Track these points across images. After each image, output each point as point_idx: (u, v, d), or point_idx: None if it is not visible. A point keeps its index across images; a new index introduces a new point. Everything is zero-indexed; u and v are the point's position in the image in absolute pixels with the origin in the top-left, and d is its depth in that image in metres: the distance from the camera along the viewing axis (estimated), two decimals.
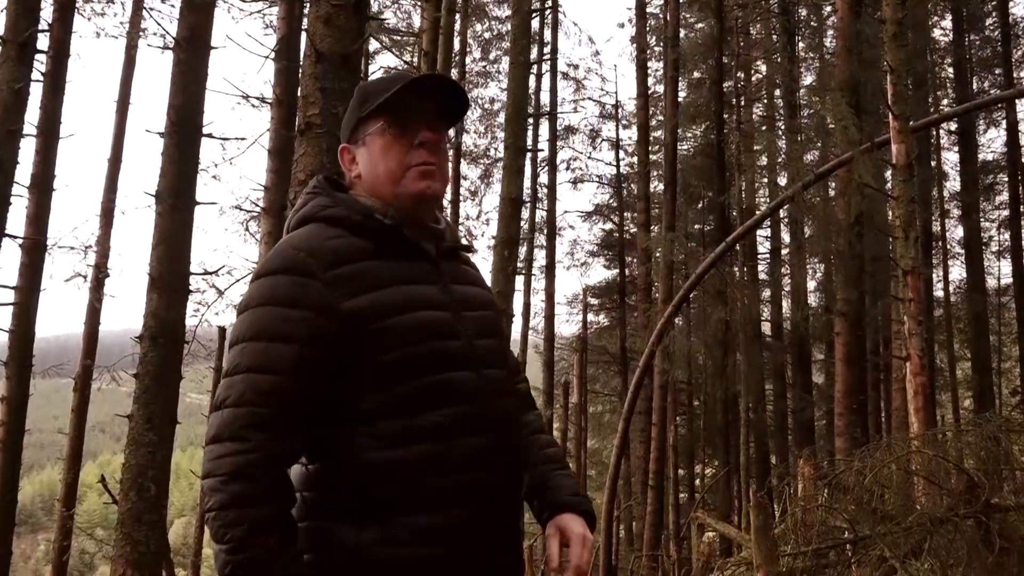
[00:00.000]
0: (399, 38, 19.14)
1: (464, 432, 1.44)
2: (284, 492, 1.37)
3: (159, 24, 11.18)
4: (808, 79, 18.75)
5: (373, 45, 18.08)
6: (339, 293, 1.40)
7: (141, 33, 10.09)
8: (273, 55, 8.58)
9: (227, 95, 11.58)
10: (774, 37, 17.40)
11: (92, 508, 31.68)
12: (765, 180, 18.98)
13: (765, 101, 20.82)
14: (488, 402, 1.50)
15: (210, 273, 8.09)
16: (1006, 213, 18.99)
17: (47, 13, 8.01)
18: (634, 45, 17.73)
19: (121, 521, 5.28)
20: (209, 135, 6.25)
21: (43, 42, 7.99)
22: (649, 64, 18.15)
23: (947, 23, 18.39)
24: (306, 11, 5.91)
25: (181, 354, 5.87)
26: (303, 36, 4.16)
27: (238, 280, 10.25)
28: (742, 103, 18.88)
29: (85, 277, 11.26)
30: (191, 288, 6.19)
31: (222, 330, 11.27)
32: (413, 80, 1.55)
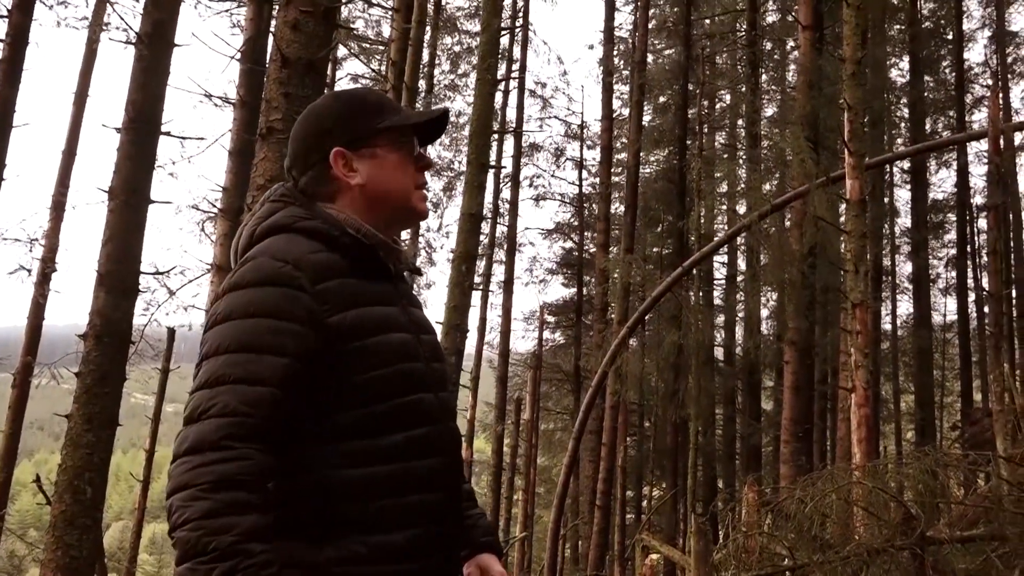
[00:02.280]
0: (368, 46, 19.10)
1: (425, 453, 1.47)
2: (271, 506, 1.32)
3: (122, 19, 10.99)
4: (770, 111, 19.15)
5: (341, 51, 18.02)
6: (325, 308, 1.39)
7: (104, 26, 9.91)
8: (239, 56, 8.50)
9: (190, 93, 11.45)
10: (739, 68, 17.75)
11: (25, 508, 30.74)
12: (724, 207, 19.27)
13: (728, 130, 21.21)
14: (444, 424, 1.54)
15: (161, 273, 7.95)
16: (953, 252, 19.54)
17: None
18: (601, 67, 17.92)
19: (53, 524, 5.13)
20: (167, 133, 6.15)
21: (1, 28, 7.81)
22: (616, 87, 18.38)
23: (904, 64, 18.92)
24: (275, 14, 5.86)
25: (126, 354, 5.74)
26: (271, 38, 4.13)
27: (191, 281, 10.11)
28: (705, 130, 19.15)
29: (30, 271, 10.97)
30: (141, 287, 6.07)
31: (171, 331, 11.06)
32: (441, 114, 1.66)
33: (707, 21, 18.24)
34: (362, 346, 1.41)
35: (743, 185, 14.88)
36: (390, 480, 1.41)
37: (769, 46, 18.66)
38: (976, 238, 19.18)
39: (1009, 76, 20.35)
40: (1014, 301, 18.76)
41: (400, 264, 1.62)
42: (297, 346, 1.36)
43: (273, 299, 1.37)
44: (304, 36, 4.05)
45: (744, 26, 15.84)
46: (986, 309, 10.89)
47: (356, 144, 1.58)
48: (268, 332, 1.35)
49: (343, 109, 1.61)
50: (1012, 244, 18.71)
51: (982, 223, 18.25)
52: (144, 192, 5.86)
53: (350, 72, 19.34)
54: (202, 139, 8.67)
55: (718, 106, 20.94)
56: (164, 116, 6.12)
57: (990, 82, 19.65)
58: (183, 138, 8.05)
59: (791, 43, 17.57)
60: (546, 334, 20.71)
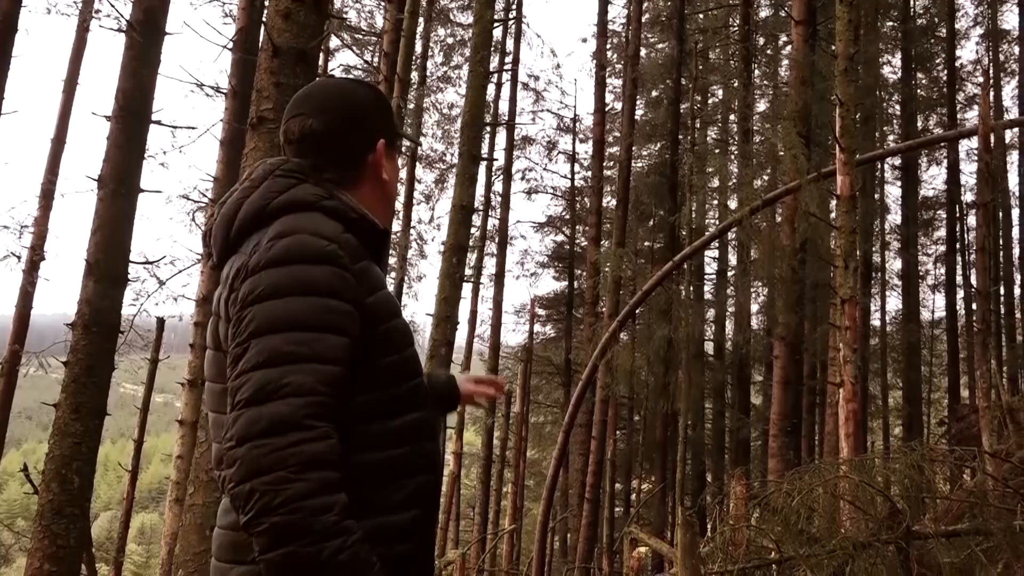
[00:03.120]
0: (360, 37, 19.02)
1: (425, 436, 1.48)
2: (347, 484, 1.29)
3: (113, 6, 10.90)
4: (762, 106, 19.17)
5: (334, 42, 17.93)
6: (363, 289, 1.40)
7: (94, 14, 9.84)
8: (231, 45, 8.46)
9: (181, 82, 11.37)
10: (732, 63, 17.75)
11: (13, 498, 30.64)
12: (716, 202, 19.33)
13: (720, 125, 21.25)
14: (432, 408, 1.57)
15: (151, 263, 7.92)
16: (943, 248, 19.65)
17: None
18: (595, 61, 17.90)
19: (41, 513, 5.11)
20: (158, 122, 6.12)
21: None
22: (609, 80, 18.36)
23: (897, 61, 18.97)
24: (267, 3, 5.84)
25: (115, 343, 5.71)
26: (263, 28, 4.11)
27: (181, 271, 10.04)
28: (697, 125, 19.17)
29: (19, 258, 10.91)
30: (130, 277, 6.05)
31: (160, 321, 11.02)
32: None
33: (700, 16, 18.25)
34: (385, 329, 1.42)
35: (735, 180, 14.89)
36: (403, 461, 1.43)
37: (762, 41, 18.68)
38: (966, 235, 19.29)
39: (1001, 74, 20.44)
40: (1002, 298, 18.90)
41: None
42: (353, 326, 1.36)
43: (326, 277, 1.35)
44: (295, 26, 4.03)
45: (737, 21, 15.84)
46: (974, 306, 10.96)
47: (391, 142, 1.62)
48: (327, 311, 1.33)
49: (381, 103, 1.62)
50: (1001, 241, 18.83)
51: (972, 220, 18.34)
52: (134, 181, 5.83)
53: (342, 63, 19.31)
54: (193, 128, 8.63)
55: (711, 101, 20.97)
56: (155, 105, 6.09)
57: (982, 80, 19.72)
58: (174, 127, 8.02)
59: (784, 38, 17.60)
60: (537, 327, 20.75)
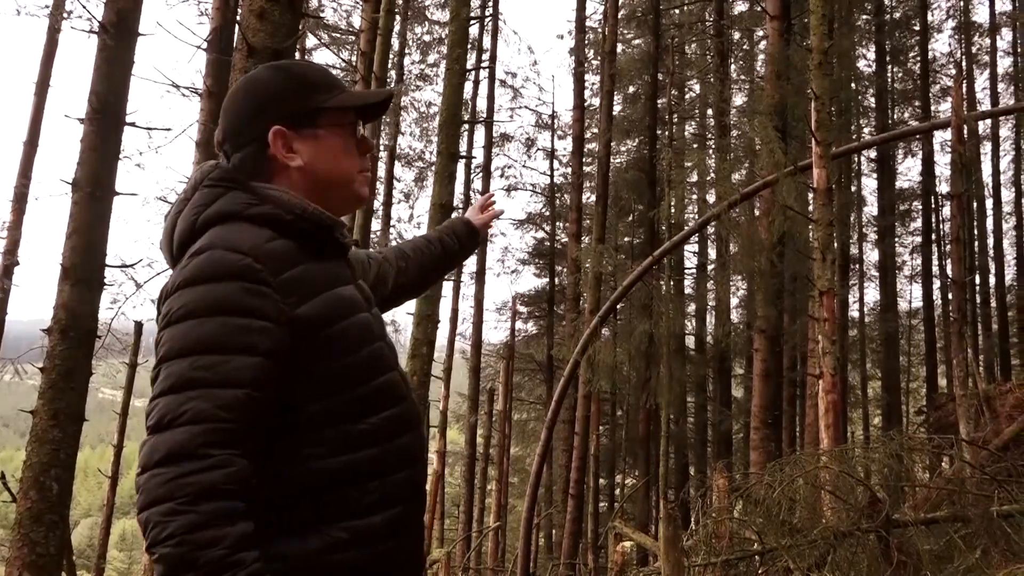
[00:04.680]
0: (338, 35, 18.94)
1: (399, 432, 1.45)
2: (253, 512, 1.27)
3: (84, 7, 10.79)
4: (739, 100, 19.28)
5: (311, 41, 17.86)
6: (290, 300, 1.34)
7: (66, 15, 9.73)
8: (205, 45, 8.39)
9: (156, 83, 11.27)
10: (708, 58, 17.84)
11: None
12: (695, 196, 19.40)
13: (697, 119, 21.35)
14: (409, 399, 1.52)
15: (128, 266, 7.82)
16: (919, 239, 19.87)
17: None
18: (572, 57, 17.94)
19: (19, 521, 5.05)
20: (133, 124, 6.04)
21: None
22: (586, 77, 18.37)
23: (871, 54, 19.15)
24: (241, 3, 5.79)
25: (92, 348, 5.65)
26: (238, 28, 4.07)
27: (159, 273, 9.93)
28: (675, 120, 19.22)
29: None
30: (107, 281, 5.98)
31: (139, 325, 10.93)
32: (387, 96, 1.60)
33: (676, 11, 18.32)
34: (332, 333, 1.38)
35: (713, 174, 14.98)
36: (371, 464, 1.40)
37: (738, 36, 18.79)
38: (941, 226, 19.51)
39: (973, 66, 20.69)
40: (977, 287, 19.15)
41: (346, 239, 1.56)
42: (267, 343, 1.30)
43: (237, 295, 1.30)
44: (270, 25, 3.99)
45: (713, 16, 15.92)
46: (950, 295, 11.10)
47: (298, 123, 1.48)
48: (235, 331, 1.29)
49: (285, 83, 1.50)
50: (976, 231, 19.07)
51: (947, 211, 18.56)
52: (109, 184, 5.76)
53: (319, 62, 19.16)
54: (168, 130, 8.56)
55: (688, 96, 21.05)
56: (130, 106, 6.02)
57: (954, 72, 19.95)
58: (149, 129, 7.91)
59: (760, 33, 17.70)
60: (518, 324, 20.75)
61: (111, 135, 5.74)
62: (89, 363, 5.61)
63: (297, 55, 16.28)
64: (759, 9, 14.21)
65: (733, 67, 19.18)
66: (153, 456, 1.24)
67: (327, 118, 1.51)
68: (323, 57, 19.17)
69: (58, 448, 5.16)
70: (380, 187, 17.30)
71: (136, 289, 9.81)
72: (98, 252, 5.68)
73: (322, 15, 17.22)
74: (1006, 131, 19.99)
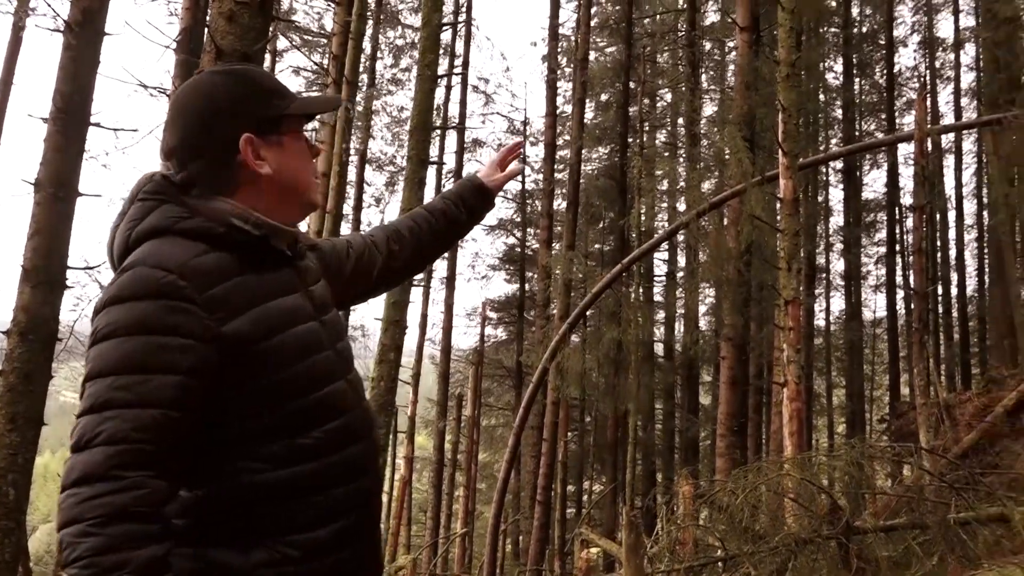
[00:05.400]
0: (310, 38, 18.84)
1: (344, 443, 1.43)
2: (169, 534, 1.26)
3: (49, 5, 10.61)
4: (709, 110, 19.48)
5: (282, 43, 17.74)
6: (217, 316, 1.31)
7: (30, 11, 9.56)
8: (174, 46, 8.30)
9: (124, 83, 11.13)
10: (680, 67, 18.00)
11: None
12: (665, 205, 19.60)
13: (668, 128, 21.53)
14: (358, 408, 1.50)
15: (92, 268, 7.69)
16: (884, 250, 20.19)
17: None
18: (545, 64, 18.01)
19: None
20: (97, 124, 5.96)
21: None
22: (559, 84, 18.45)
23: (839, 67, 19.46)
24: (211, 3, 5.75)
25: (53, 351, 5.55)
26: (207, 30, 4.04)
27: None
28: (646, 128, 19.42)
29: None
30: (69, 282, 5.89)
31: None
32: (335, 102, 1.60)
33: (648, 20, 18.47)
34: (265, 348, 1.35)
35: (683, 183, 15.11)
36: (313, 478, 1.38)
37: (709, 46, 18.98)
38: (905, 237, 19.84)
39: (937, 80, 21.09)
40: (939, 298, 19.50)
41: (300, 244, 1.54)
42: (189, 362, 1.28)
43: (158, 314, 1.28)
44: (239, 28, 3.96)
45: (685, 26, 16.08)
46: (913, 306, 11.30)
47: (264, 130, 1.45)
48: (156, 350, 1.27)
49: (243, 90, 1.46)
50: (938, 243, 19.42)
51: (911, 222, 18.88)
52: (73, 184, 5.68)
53: (291, 64, 19.12)
54: (135, 130, 8.42)
55: (659, 104, 21.24)
56: (96, 106, 5.95)
57: (918, 86, 20.33)
58: (116, 129, 7.81)
59: (731, 43, 17.91)
60: (488, 330, 20.76)
61: (75, 135, 5.66)
62: (49, 366, 5.53)
63: (268, 58, 16.18)
64: (730, 20, 14.39)
65: (704, 77, 19.39)
66: (70, 476, 1.23)
67: (288, 125, 1.49)
68: (294, 59, 19.08)
69: (15, 452, 5.07)
70: (351, 191, 17.21)
71: (100, 291, 9.66)
72: (61, 253, 5.60)
73: (293, 18, 17.12)
74: (969, 144, 20.41)
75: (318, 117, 1.51)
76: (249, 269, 1.40)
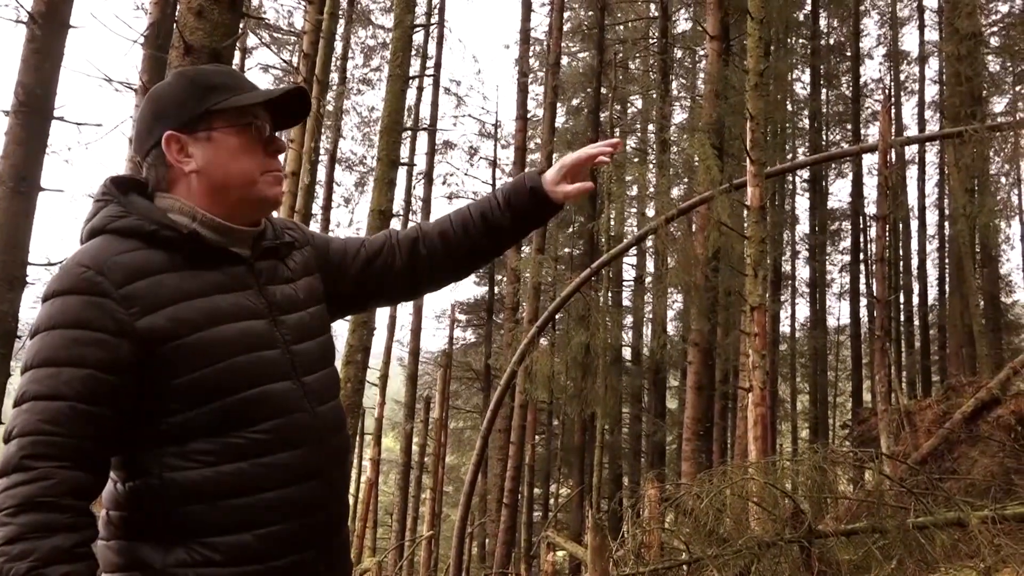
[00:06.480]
0: (280, 36, 18.69)
1: (281, 447, 1.39)
2: (83, 524, 1.27)
3: None
4: (679, 117, 19.66)
5: (252, 40, 17.58)
6: (132, 311, 1.32)
7: None
8: (142, 40, 8.18)
9: (89, 76, 10.94)
10: (651, 74, 18.15)
11: None
12: (634, 210, 19.70)
13: (638, 134, 21.68)
14: (308, 412, 1.45)
15: (53, 264, 7.55)
16: (848, 258, 20.52)
17: None
18: (517, 68, 18.03)
19: None
20: (61, 118, 5.86)
21: None
22: (531, 88, 18.51)
23: (807, 77, 19.75)
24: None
25: (11, 350, 5.44)
26: (176, 25, 3.99)
27: None
28: (616, 134, 19.52)
29: None
30: (29, 279, 5.78)
31: None
32: (290, 91, 1.52)
33: (620, 27, 18.60)
34: (182, 344, 1.34)
35: (652, 189, 15.22)
36: (240, 479, 1.35)
37: (680, 54, 19.16)
38: (869, 246, 20.17)
39: (902, 93, 21.50)
40: (901, 306, 19.85)
41: (263, 242, 1.52)
42: (99, 355, 1.30)
43: (73, 308, 1.32)
44: (209, 24, 3.92)
45: (656, 33, 16.21)
46: (875, 313, 11.47)
47: (191, 127, 1.46)
48: (68, 343, 1.30)
49: (180, 90, 1.49)
50: (900, 252, 19.77)
51: (874, 231, 19.19)
52: (34, 179, 5.58)
53: (260, 62, 18.96)
54: (99, 125, 8.28)
55: (630, 111, 21.39)
56: (59, 100, 5.85)
57: (883, 98, 20.68)
58: (79, 124, 7.67)
59: (701, 52, 18.09)
60: (457, 332, 20.73)
61: (37, 129, 5.56)
62: (8, 365, 5.42)
63: (237, 55, 16.02)
64: (701, 29, 14.54)
65: (675, 84, 19.56)
66: None
67: (222, 120, 1.47)
68: (263, 57, 18.92)
69: None
70: (320, 191, 17.10)
71: None
72: (20, 249, 5.49)
73: (264, 15, 16.98)
74: (932, 156, 20.81)
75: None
76: (183, 267, 1.40)
